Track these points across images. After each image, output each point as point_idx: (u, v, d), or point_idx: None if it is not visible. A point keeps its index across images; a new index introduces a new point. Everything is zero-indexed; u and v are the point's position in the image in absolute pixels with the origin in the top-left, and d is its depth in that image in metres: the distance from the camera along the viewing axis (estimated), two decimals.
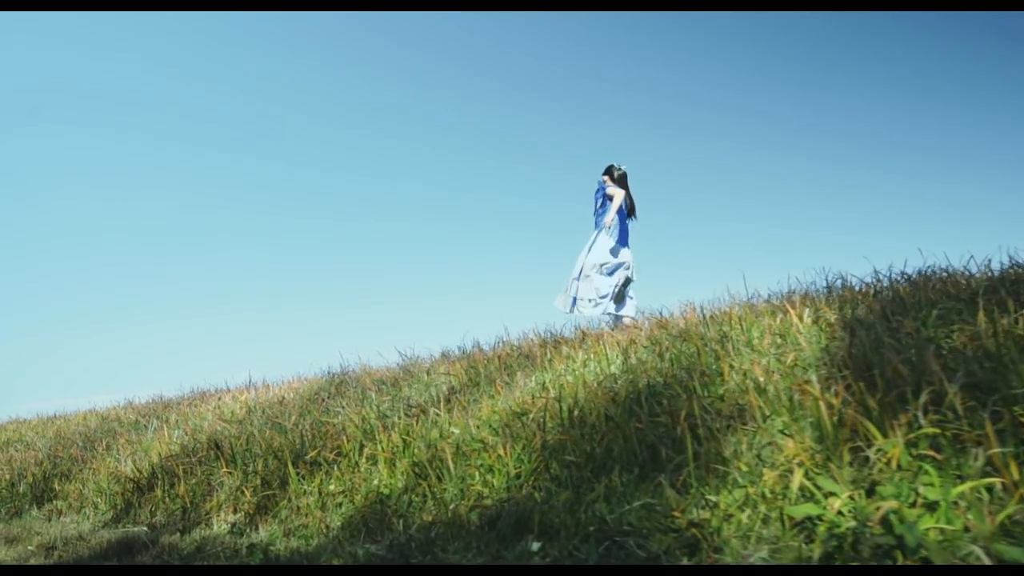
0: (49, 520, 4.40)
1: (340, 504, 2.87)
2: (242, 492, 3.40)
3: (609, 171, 5.90)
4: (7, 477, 5.55)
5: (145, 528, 3.54)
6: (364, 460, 3.10)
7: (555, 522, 2.11)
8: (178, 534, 3.29)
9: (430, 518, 2.46)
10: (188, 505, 3.56)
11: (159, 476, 4.02)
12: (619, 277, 5.69)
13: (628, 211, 5.79)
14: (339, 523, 2.73)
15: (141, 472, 4.11)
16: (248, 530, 3.04)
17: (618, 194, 5.67)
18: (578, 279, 5.69)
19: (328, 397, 5.00)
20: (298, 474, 3.15)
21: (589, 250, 5.73)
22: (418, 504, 2.62)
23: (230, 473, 3.57)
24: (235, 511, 3.31)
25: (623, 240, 5.75)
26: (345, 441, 3.21)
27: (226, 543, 2.95)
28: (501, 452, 2.51)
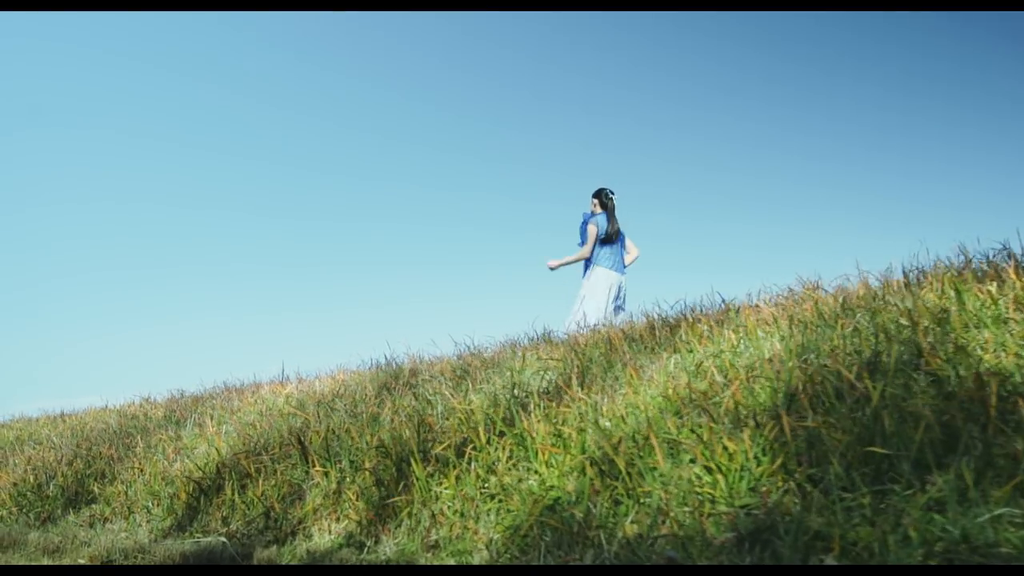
0: (91, 527, 3.81)
1: (491, 511, 2.31)
2: (342, 494, 2.84)
3: (599, 195, 6.00)
4: (31, 478, 4.96)
5: (222, 538, 2.96)
6: (504, 455, 2.54)
7: (854, 536, 1.56)
8: (273, 546, 2.72)
9: (640, 529, 1.90)
10: (274, 510, 2.99)
11: (226, 476, 3.45)
12: (608, 308, 5.80)
13: (606, 237, 5.88)
14: (500, 535, 2.17)
15: (204, 472, 3.54)
16: (368, 542, 2.48)
17: (591, 233, 5.87)
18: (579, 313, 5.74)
19: (397, 387, 4.44)
20: (426, 474, 2.59)
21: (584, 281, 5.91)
22: (607, 510, 2.06)
23: (325, 472, 3.01)
24: (338, 518, 2.74)
25: (615, 265, 5.88)
26: (480, 432, 2.64)
27: (345, 558, 2.39)
28: (728, 444, 1.96)
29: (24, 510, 4.54)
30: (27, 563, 3.28)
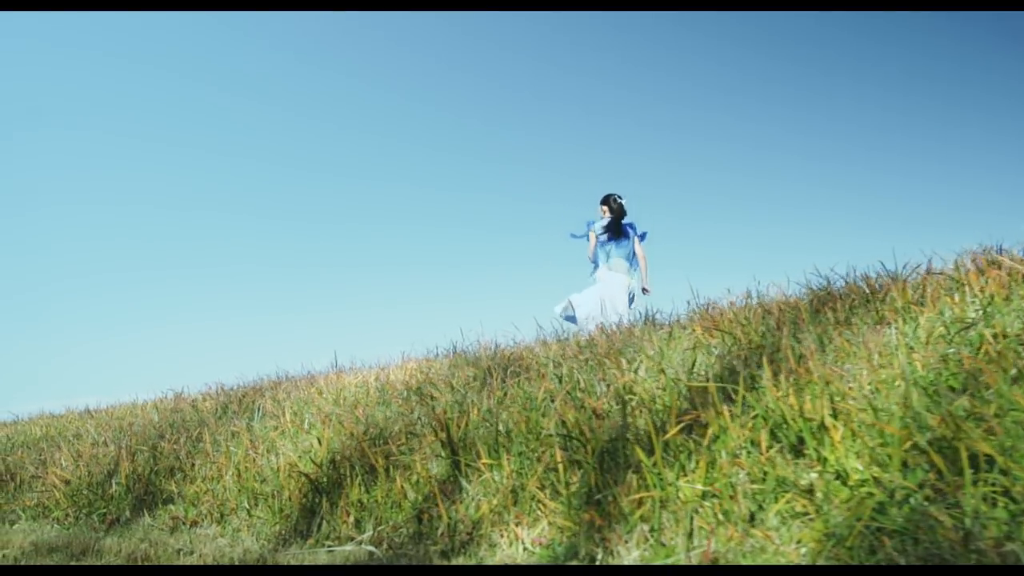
0: (177, 532, 3.24)
1: (783, 512, 1.74)
2: (522, 491, 2.27)
3: (607, 201, 6.16)
4: (84, 475, 4.39)
5: (368, 547, 2.39)
6: (740, 437, 1.98)
7: None
8: (447, 556, 2.15)
9: None
10: (429, 513, 2.42)
11: (344, 471, 2.88)
12: (621, 308, 5.89)
13: (609, 235, 6.07)
14: (813, 545, 1.60)
15: (320, 467, 2.97)
16: (597, 551, 1.90)
17: (592, 237, 6.12)
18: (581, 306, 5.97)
19: (498, 374, 3.88)
20: (653, 466, 2.01)
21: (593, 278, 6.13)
22: (977, 509, 1.50)
23: (495, 464, 2.44)
24: (529, 522, 2.18)
25: (626, 268, 6.05)
26: (713, 411, 2.08)
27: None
28: None
29: (84, 511, 3.97)
30: None
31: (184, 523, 3.28)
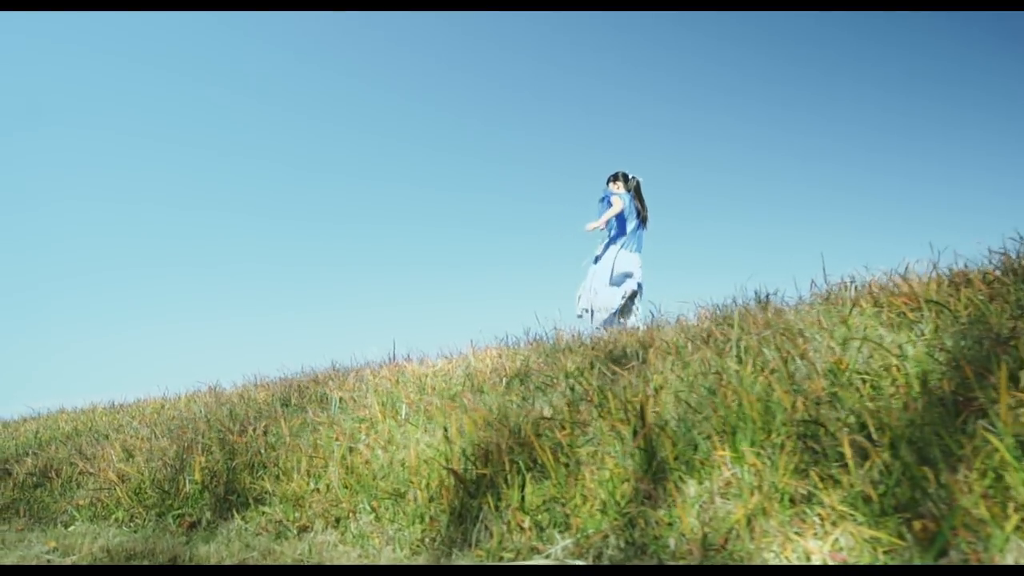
0: (279, 538, 2.71)
1: None
2: (781, 490, 1.75)
3: (623, 178, 5.89)
4: (144, 471, 3.87)
5: (576, 562, 1.87)
6: None
7: None
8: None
9: None
10: (645, 520, 1.90)
11: (499, 468, 2.36)
12: (627, 288, 5.67)
13: (642, 220, 5.81)
14: None
15: (472, 460, 2.44)
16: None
17: (617, 203, 5.68)
18: (590, 291, 5.73)
19: (614, 359, 3.37)
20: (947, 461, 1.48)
21: (596, 261, 5.80)
22: None
23: (736, 457, 1.91)
24: (815, 531, 1.65)
25: (633, 246, 5.75)
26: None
27: None
28: None
29: (153, 511, 3.45)
30: None
31: (287, 527, 2.75)
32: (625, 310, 5.69)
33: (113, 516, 3.65)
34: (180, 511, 3.33)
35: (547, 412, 2.72)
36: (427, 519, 2.37)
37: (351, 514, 2.63)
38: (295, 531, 2.70)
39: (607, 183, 5.95)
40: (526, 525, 2.11)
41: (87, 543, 3.09)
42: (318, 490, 2.86)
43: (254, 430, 4.10)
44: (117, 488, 3.74)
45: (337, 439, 3.39)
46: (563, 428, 2.44)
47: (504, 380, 3.86)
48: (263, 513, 2.97)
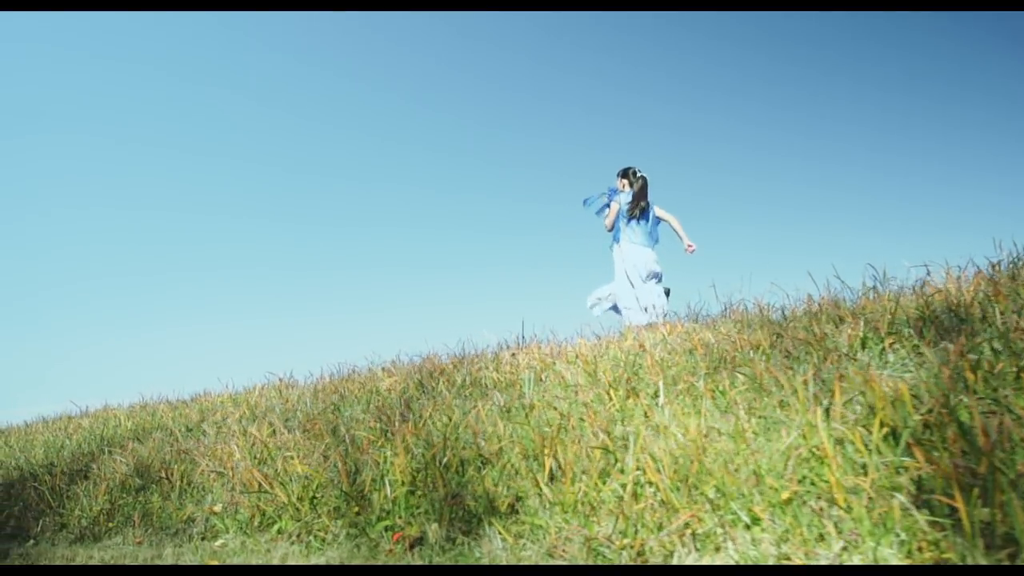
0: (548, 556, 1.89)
1: None
2: None
3: (626, 174, 5.88)
4: (261, 480, 3.05)
5: None
6: None
7: None
8: None
9: None
10: None
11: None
12: (658, 289, 5.70)
13: (630, 214, 5.76)
14: None
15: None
16: None
17: (612, 209, 5.77)
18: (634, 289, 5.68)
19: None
20: None
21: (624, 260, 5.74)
22: None
23: None
24: None
25: (641, 240, 5.73)
26: None
27: None
28: None
29: (342, 522, 2.64)
30: None
31: (606, 545, 1.93)
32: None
33: (275, 527, 2.83)
34: (385, 522, 2.51)
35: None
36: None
37: (725, 528, 1.81)
38: (627, 553, 1.88)
39: (618, 180, 5.96)
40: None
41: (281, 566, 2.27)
42: (633, 495, 2.04)
43: (416, 419, 3.30)
44: (279, 492, 2.92)
45: (584, 423, 2.58)
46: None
47: (752, 351, 3.07)
48: (535, 526, 2.16)
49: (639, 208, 5.74)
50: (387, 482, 2.63)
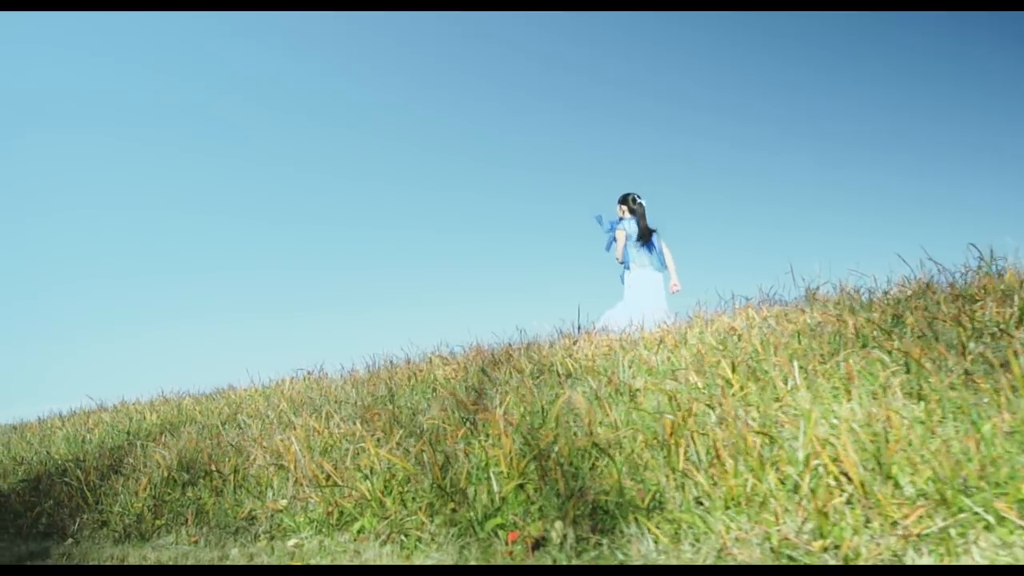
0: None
1: None
2: None
3: (625, 200, 6.07)
4: (331, 472, 2.75)
5: None
6: None
7: None
8: None
9: None
10: None
11: None
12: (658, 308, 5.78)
13: (639, 240, 5.93)
14: None
15: None
16: None
17: (620, 238, 5.94)
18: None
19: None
20: None
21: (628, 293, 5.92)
22: None
23: None
24: None
25: (654, 265, 5.96)
26: None
27: None
28: None
29: (439, 520, 2.33)
30: None
31: (809, 546, 1.63)
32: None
33: (356, 526, 2.53)
34: (495, 520, 2.21)
35: None
36: None
37: (964, 527, 1.50)
38: (830, 555, 1.58)
39: (617, 206, 6.15)
40: None
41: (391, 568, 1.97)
42: (811, 487, 1.74)
43: (501, 404, 3.00)
44: (359, 486, 2.62)
45: (711, 408, 2.28)
46: None
47: (877, 332, 2.78)
48: (686, 523, 1.85)
49: (647, 236, 5.99)
50: (491, 475, 2.33)
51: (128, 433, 5.78)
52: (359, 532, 2.52)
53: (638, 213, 6.01)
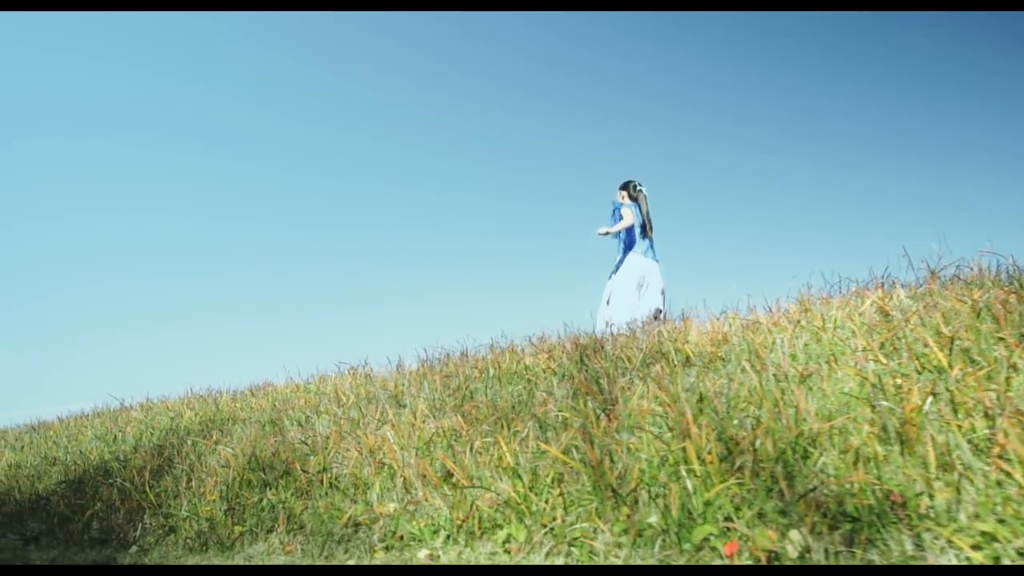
0: None
1: None
2: None
3: (626, 187, 6.04)
4: (454, 469, 2.37)
5: None
6: None
7: None
8: None
9: None
10: None
11: None
12: (654, 304, 5.73)
13: (644, 230, 5.91)
14: None
15: None
16: None
17: (628, 216, 5.83)
18: (608, 303, 5.83)
19: None
20: None
21: (616, 272, 5.91)
22: None
23: None
24: None
25: (652, 254, 5.92)
26: None
27: None
28: None
29: (614, 525, 1.94)
30: None
31: None
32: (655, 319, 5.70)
33: (501, 535, 2.13)
34: (705, 528, 1.82)
35: None
36: None
37: None
38: None
39: (618, 191, 6.10)
40: None
41: None
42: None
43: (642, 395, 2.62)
44: (504, 486, 2.22)
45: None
46: None
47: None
48: (980, 532, 1.47)
49: (651, 227, 5.99)
50: (684, 473, 1.94)
51: (169, 431, 5.39)
52: (505, 542, 2.13)
53: (639, 201, 6.01)
